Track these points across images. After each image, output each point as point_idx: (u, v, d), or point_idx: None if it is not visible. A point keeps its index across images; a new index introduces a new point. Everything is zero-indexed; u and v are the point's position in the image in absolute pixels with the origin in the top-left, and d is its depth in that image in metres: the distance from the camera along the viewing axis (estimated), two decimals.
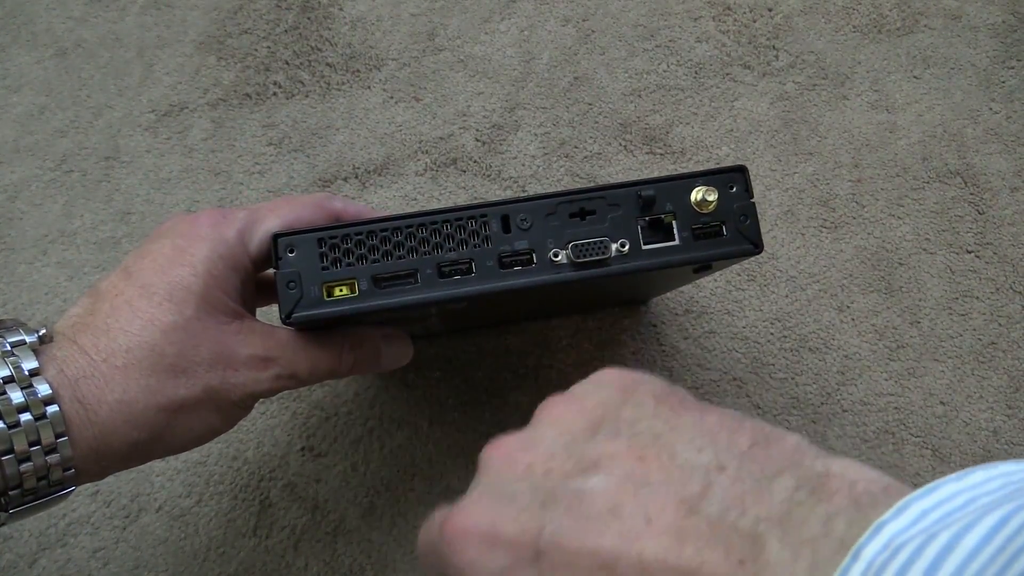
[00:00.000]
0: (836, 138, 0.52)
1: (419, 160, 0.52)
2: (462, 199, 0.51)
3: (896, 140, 0.52)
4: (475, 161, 0.52)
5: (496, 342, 0.48)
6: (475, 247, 0.31)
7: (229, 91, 0.54)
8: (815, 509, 0.18)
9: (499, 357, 0.48)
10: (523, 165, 0.51)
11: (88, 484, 0.46)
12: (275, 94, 0.54)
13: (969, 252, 0.49)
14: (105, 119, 0.54)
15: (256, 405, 0.47)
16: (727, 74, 0.53)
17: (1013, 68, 0.53)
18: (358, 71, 0.54)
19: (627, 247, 0.31)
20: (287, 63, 0.55)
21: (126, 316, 0.30)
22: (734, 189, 0.31)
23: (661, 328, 0.48)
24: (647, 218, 0.31)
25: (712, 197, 0.31)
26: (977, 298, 0.48)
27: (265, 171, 0.52)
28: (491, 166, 0.51)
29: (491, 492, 0.23)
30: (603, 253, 0.30)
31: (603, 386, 0.24)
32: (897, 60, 0.54)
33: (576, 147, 0.52)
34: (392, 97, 0.53)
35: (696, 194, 0.31)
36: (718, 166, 0.33)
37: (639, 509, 0.20)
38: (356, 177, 0.52)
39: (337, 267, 0.31)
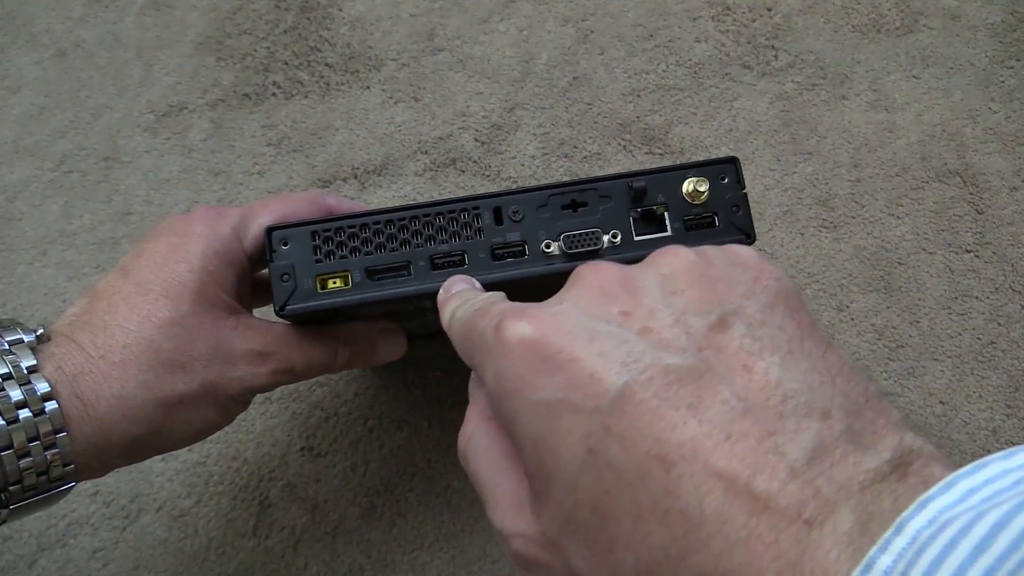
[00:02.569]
0: (835, 138, 0.52)
1: (418, 160, 0.52)
2: None
3: (895, 140, 0.52)
4: (474, 161, 0.52)
5: None
6: (468, 239, 0.31)
7: (228, 91, 0.54)
8: (894, 487, 0.17)
9: None
10: (522, 165, 0.51)
11: (88, 485, 0.46)
12: (274, 94, 0.54)
13: (968, 252, 0.49)
14: (104, 120, 0.54)
15: (256, 405, 0.47)
16: (726, 74, 0.53)
17: (1012, 68, 0.53)
18: (357, 71, 0.54)
19: (619, 238, 0.31)
20: (286, 63, 0.55)
21: (123, 313, 0.30)
22: (726, 180, 0.31)
23: None
24: (639, 209, 0.31)
25: (704, 188, 0.31)
26: (976, 297, 0.48)
27: (264, 171, 0.52)
28: (490, 166, 0.51)
29: (573, 317, 0.20)
30: (595, 244, 0.30)
31: (737, 266, 0.22)
32: (896, 60, 0.54)
33: (575, 147, 0.52)
34: (391, 97, 0.54)
35: (688, 185, 0.31)
36: (710, 158, 0.33)
37: (723, 421, 0.18)
38: (355, 177, 0.52)
39: (331, 259, 0.31)
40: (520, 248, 0.31)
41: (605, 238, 0.31)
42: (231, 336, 0.32)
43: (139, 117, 0.54)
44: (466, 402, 0.47)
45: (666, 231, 0.31)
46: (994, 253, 0.49)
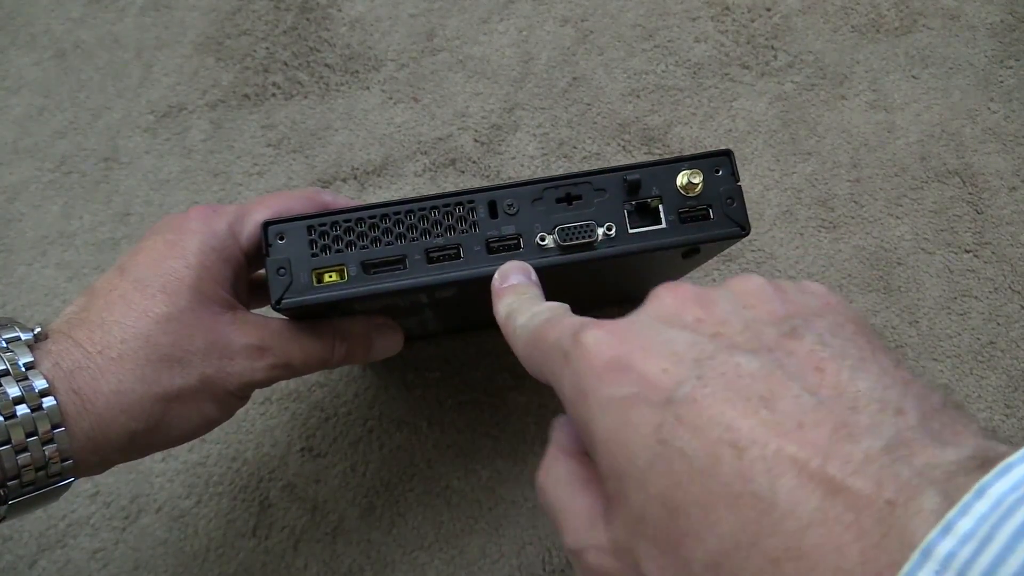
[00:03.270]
0: (835, 138, 0.52)
1: (418, 161, 0.52)
2: None
3: (894, 140, 0.52)
4: (474, 162, 0.52)
5: (495, 342, 0.48)
6: (463, 232, 0.31)
7: (228, 92, 0.54)
8: (981, 480, 0.16)
9: (498, 357, 0.48)
10: (522, 165, 0.51)
11: (88, 485, 0.46)
12: (274, 95, 0.54)
13: (968, 252, 0.49)
14: (104, 120, 0.54)
15: (255, 406, 0.47)
16: (725, 74, 0.53)
17: (1011, 68, 0.53)
18: (357, 72, 0.54)
19: (613, 231, 0.31)
20: (286, 64, 0.55)
21: (120, 309, 0.30)
22: (720, 173, 0.31)
23: None
24: (633, 202, 0.31)
25: (697, 180, 0.31)
26: (976, 297, 0.48)
27: (264, 172, 0.52)
28: (490, 167, 0.52)
29: (648, 326, 0.21)
30: (589, 236, 0.31)
31: (807, 293, 0.23)
32: (895, 60, 0.54)
33: (575, 147, 0.52)
34: (391, 98, 0.54)
35: (682, 178, 0.31)
36: (704, 150, 0.32)
37: (795, 411, 0.18)
38: (355, 178, 0.52)
39: (326, 253, 0.31)
40: (515, 241, 0.31)
41: (600, 231, 0.31)
42: (228, 331, 0.32)
43: (139, 118, 0.54)
44: (465, 402, 0.47)
45: (660, 223, 0.31)
46: (993, 253, 0.49)
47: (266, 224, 0.31)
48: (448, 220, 0.31)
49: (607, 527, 0.21)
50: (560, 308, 0.26)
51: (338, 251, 0.31)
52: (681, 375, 0.19)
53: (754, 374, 0.19)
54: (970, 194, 0.50)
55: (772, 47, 0.54)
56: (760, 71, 0.54)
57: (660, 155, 0.52)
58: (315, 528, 0.45)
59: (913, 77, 0.53)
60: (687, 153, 0.51)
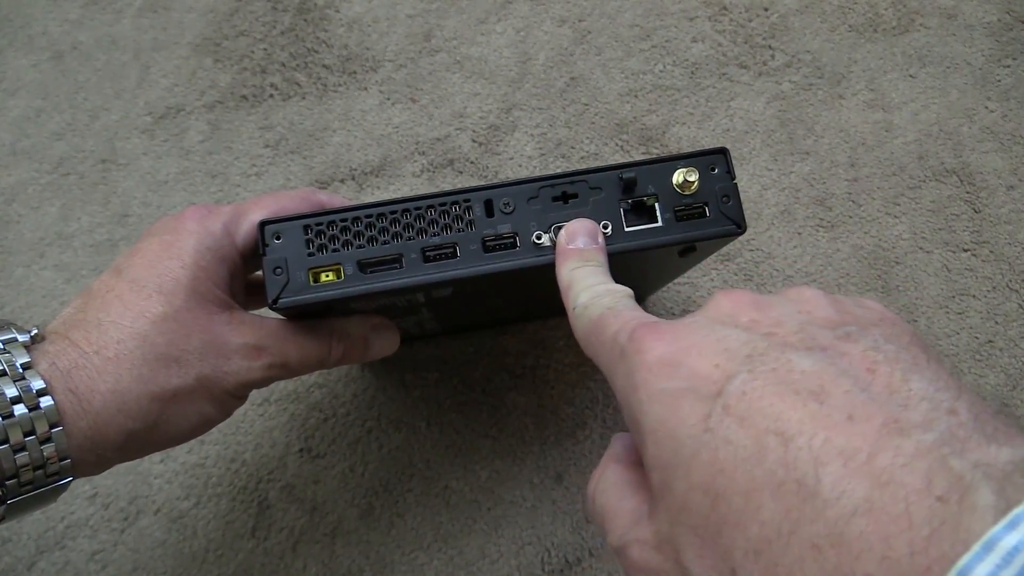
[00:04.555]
0: (832, 137, 0.52)
1: (416, 161, 0.52)
2: None
3: (892, 139, 0.52)
4: (471, 162, 0.52)
5: (493, 343, 0.48)
6: (459, 231, 0.31)
7: (226, 93, 0.54)
8: None
9: (496, 358, 0.48)
10: (520, 166, 0.51)
11: (86, 487, 0.46)
12: (272, 96, 0.54)
13: (966, 250, 0.49)
14: (102, 122, 0.54)
15: (254, 407, 0.47)
16: (723, 74, 0.53)
17: (1009, 67, 0.53)
18: (354, 73, 0.54)
19: (610, 229, 0.31)
20: (283, 65, 0.55)
21: (117, 309, 0.30)
22: (716, 171, 0.31)
23: None
24: (630, 200, 0.31)
25: (693, 178, 0.31)
26: (974, 296, 0.48)
27: (262, 173, 0.52)
28: (488, 167, 0.52)
29: (703, 326, 0.22)
30: None
31: (863, 307, 0.23)
32: (893, 59, 0.54)
33: (572, 147, 0.52)
34: (389, 99, 0.54)
35: (678, 176, 0.31)
36: (700, 148, 0.32)
37: (844, 404, 0.18)
38: (353, 179, 0.52)
39: (323, 253, 0.31)
40: (511, 240, 0.31)
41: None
42: (225, 330, 0.32)
43: (136, 119, 0.54)
44: (464, 403, 0.47)
45: (657, 221, 0.31)
46: (991, 252, 0.49)
47: (263, 224, 0.31)
48: (444, 219, 0.31)
49: (651, 521, 0.21)
50: (622, 295, 0.26)
51: (334, 250, 0.31)
52: (732, 369, 0.20)
53: (806, 371, 0.19)
54: (968, 193, 0.50)
55: (770, 47, 0.54)
56: (758, 71, 0.54)
57: (657, 154, 0.52)
58: (314, 529, 0.45)
59: (911, 76, 0.53)
60: (687, 151, 0.51)
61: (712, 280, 0.49)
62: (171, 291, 0.31)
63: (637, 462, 0.24)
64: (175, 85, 0.55)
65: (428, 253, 0.31)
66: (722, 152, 0.31)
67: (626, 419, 0.23)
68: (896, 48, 0.54)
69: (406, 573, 0.44)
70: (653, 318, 0.23)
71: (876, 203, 0.50)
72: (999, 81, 0.53)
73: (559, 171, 0.32)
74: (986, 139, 0.51)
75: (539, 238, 0.31)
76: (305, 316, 0.34)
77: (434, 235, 0.31)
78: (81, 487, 0.46)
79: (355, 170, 0.52)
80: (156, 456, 0.46)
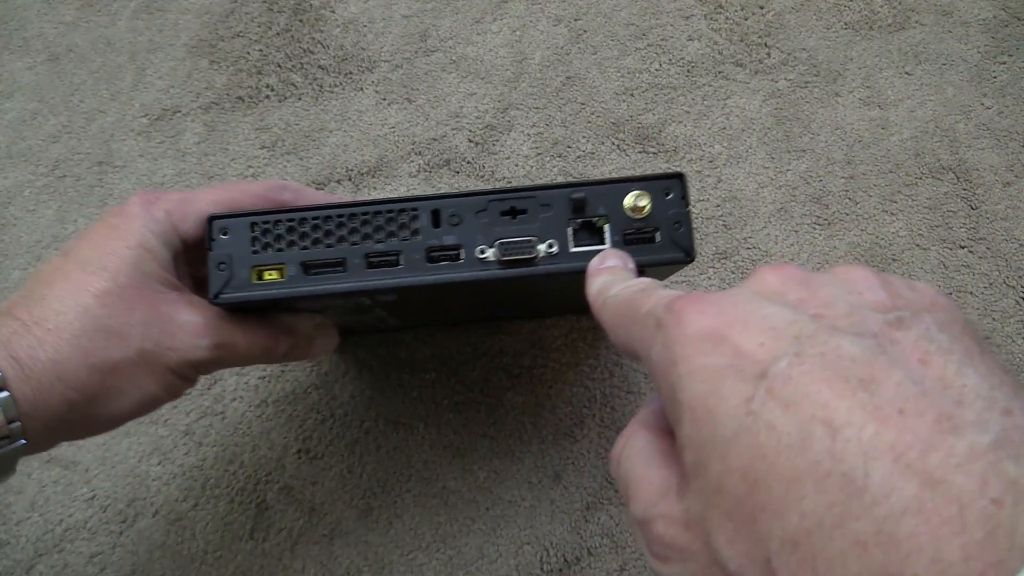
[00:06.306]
0: (829, 135, 0.52)
1: (412, 161, 0.52)
2: None
3: (888, 136, 0.52)
4: (468, 162, 0.52)
5: (490, 342, 0.48)
6: (404, 240, 0.31)
7: (222, 94, 0.54)
8: None
9: (493, 357, 0.48)
10: (516, 165, 0.51)
11: (84, 489, 0.46)
12: (268, 97, 0.54)
13: (962, 247, 0.49)
14: (98, 124, 0.54)
15: (252, 408, 0.47)
16: (719, 72, 0.53)
17: (1004, 63, 0.53)
18: (350, 73, 0.54)
19: (555, 248, 0.31)
20: (279, 66, 0.55)
21: (60, 285, 0.31)
22: (670, 196, 0.31)
23: None
24: (579, 220, 0.31)
25: (644, 203, 0.30)
26: (971, 293, 0.48)
27: (259, 174, 0.52)
28: (484, 167, 0.52)
29: (748, 300, 0.21)
30: (529, 252, 0.30)
31: (915, 290, 0.22)
32: (889, 56, 0.54)
33: (569, 147, 0.52)
34: (385, 99, 0.54)
35: (630, 199, 0.31)
36: (656, 172, 0.32)
37: (896, 397, 0.17)
38: (349, 179, 0.52)
39: (267, 251, 0.31)
40: (455, 252, 0.31)
41: (541, 247, 0.31)
42: (172, 308, 0.32)
43: (132, 121, 0.54)
44: (461, 403, 0.47)
45: (604, 244, 0.31)
46: (988, 248, 0.49)
47: (211, 218, 0.32)
48: (390, 226, 0.31)
49: (680, 498, 0.21)
50: (655, 281, 0.26)
51: (279, 250, 0.31)
52: (778, 350, 0.19)
53: (855, 357, 0.18)
54: (964, 190, 0.50)
55: (765, 45, 0.54)
56: (754, 69, 0.54)
57: (655, 153, 0.52)
58: (312, 530, 0.45)
59: (906, 73, 0.53)
60: (685, 157, 0.51)
61: (710, 279, 0.49)
62: (116, 268, 0.31)
63: (667, 430, 0.24)
64: (171, 87, 0.55)
65: (372, 259, 0.31)
66: (678, 176, 0.31)
67: (660, 393, 0.22)
68: (892, 45, 0.54)
69: (405, 573, 0.44)
70: (688, 292, 0.22)
71: (873, 200, 0.50)
72: (995, 78, 0.53)
73: (510, 186, 0.32)
74: (982, 135, 0.51)
75: (482, 252, 0.31)
76: (246, 310, 0.34)
77: (379, 242, 0.31)
78: (79, 489, 0.46)
79: (351, 170, 0.52)
80: (154, 458, 0.46)
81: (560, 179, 0.51)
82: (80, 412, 0.31)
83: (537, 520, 0.45)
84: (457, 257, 0.31)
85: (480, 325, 0.48)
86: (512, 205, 0.31)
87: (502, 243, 0.31)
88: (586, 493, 0.45)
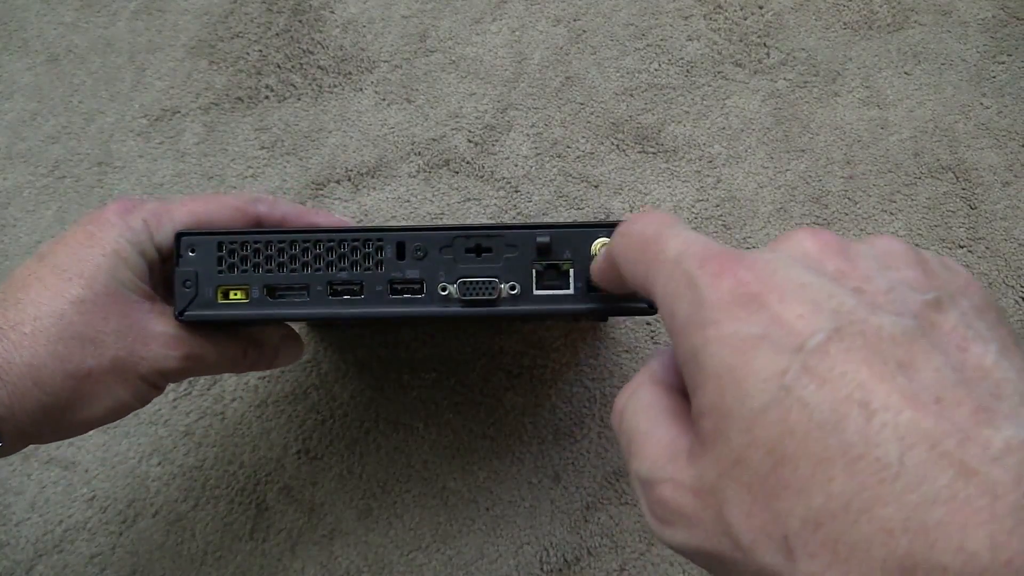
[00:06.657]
0: (828, 135, 0.52)
1: (412, 162, 0.52)
2: (455, 200, 0.51)
3: (888, 136, 0.52)
4: (468, 162, 0.52)
5: (490, 343, 0.48)
6: (367, 270, 0.31)
7: (221, 95, 0.54)
8: None
9: (493, 358, 0.48)
10: (516, 166, 0.51)
11: (84, 490, 0.46)
12: (267, 97, 0.54)
13: (962, 247, 0.49)
14: (97, 124, 0.54)
15: (251, 408, 0.47)
16: (718, 72, 0.54)
17: (1004, 63, 0.53)
18: (350, 73, 0.54)
19: (517, 290, 0.31)
20: (279, 66, 0.55)
21: (36, 290, 0.31)
22: None
23: (656, 326, 0.48)
24: (543, 263, 0.31)
25: None
26: None
27: (258, 174, 0.52)
28: (484, 167, 0.52)
29: (786, 266, 0.20)
30: (490, 294, 0.30)
31: (949, 269, 0.21)
32: (888, 56, 0.54)
33: (569, 147, 0.52)
34: (384, 99, 0.54)
35: (596, 246, 0.30)
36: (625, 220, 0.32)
37: (934, 384, 0.17)
38: (349, 180, 0.52)
39: (233, 272, 0.32)
40: (418, 287, 0.31)
41: (503, 287, 0.31)
42: (145, 318, 0.33)
43: (132, 122, 0.54)
44: (461, 403, 0.47)
45: (568, 288, 0.31)
46: (987, 248, 0.49)
47: (179, 235, 0.32)
48: (355, 255, 0.31)
49: (691, 464, 0.20)
50: (678, 217, 0.24)
51: (244, 271, 0.32)
52: (817, 324, 0.18)
53: (895, 338, 0.18)
54: (963, 189, 0.50)
55: (765, 45, 0.54)
56: (753, 69, 0.54)
57: (654, 153, 0.52)
58: (312, 530, 0.45)
59: (906, 73, 0.53)
60: (685, 158, 0.51)
61: None
62: (91, 276, 0.31)
63: (677, 388, 0.23)
64: (170, 87, 0.55)
65: (335, 287, 0.31)
66: None
67: (678, 351, 0.21)
68: (891, 45, 0.54)
69: (405, 574, 0.44)
70: (720, 245, 0.21)
71: (872, 200, 0.50)
72: (994, 77, 0.53)
73: (479, 223, 0.32)
74: (981, 135, 0.51)
75: (444, 289, 0.31)
76: (209, 326, 0.34)
77: (343, 270, 0.31)
78: (79, 490, 0.46)
79: (351, 171, 0.52)
80: (154, 459, 0.46)
81: (559, 180, 0.51)
82: (53, 417, 0.31)
83: (537, 520, 0.45)
84: (419, 291, 0.31)
85: (480, 325, 0.48)
86: (478, 243, 0.31)
87: (464, 282, 0.31)
88: (586, 493, 0.45)
